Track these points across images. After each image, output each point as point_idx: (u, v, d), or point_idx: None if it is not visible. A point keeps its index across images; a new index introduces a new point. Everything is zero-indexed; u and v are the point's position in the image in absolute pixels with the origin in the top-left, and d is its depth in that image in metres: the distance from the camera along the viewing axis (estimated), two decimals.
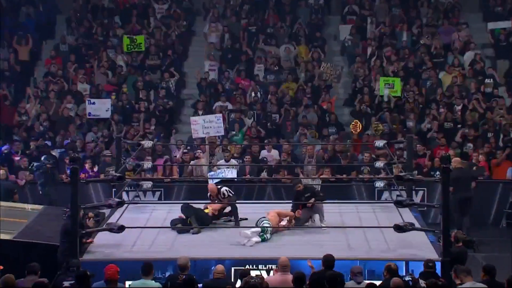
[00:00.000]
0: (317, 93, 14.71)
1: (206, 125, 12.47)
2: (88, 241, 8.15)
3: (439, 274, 7.18)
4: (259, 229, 8.36)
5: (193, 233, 8.71)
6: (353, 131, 13.35)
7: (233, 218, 9.42)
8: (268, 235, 8.53)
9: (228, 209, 9.44)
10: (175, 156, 12.73)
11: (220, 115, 12.93)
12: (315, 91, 14.71)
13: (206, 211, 9.05)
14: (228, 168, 11.42)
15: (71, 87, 14.84)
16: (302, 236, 8.81)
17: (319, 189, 11.55)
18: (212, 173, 11.31)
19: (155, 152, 12.58)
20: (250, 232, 8.36)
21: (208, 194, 9.28)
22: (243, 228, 8.54)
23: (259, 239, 8.37)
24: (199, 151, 12.16)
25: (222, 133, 12.79)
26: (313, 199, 9.02)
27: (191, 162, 12.17)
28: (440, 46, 15.33)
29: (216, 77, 15.41)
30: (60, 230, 8.11)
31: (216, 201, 9.18)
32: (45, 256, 8.07)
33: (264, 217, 8.67)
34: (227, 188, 9.31)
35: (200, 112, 14.24)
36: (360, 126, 13.23)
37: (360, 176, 12.02)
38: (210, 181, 10.04)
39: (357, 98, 14.25)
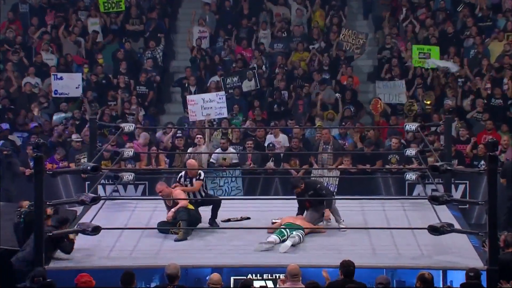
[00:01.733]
0: (336, 65, 14.66)
1: (206, 106, 12.41)
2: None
3: (485, 285, 7.17)
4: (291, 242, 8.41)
5: (176, 240, 8.72)
6: (374, 112, 13.29)
7: (232, 218, 9.45)
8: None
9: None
10: (162, 142, 12.71)
11: (223, 93, 12.87)
12: (333, 63, 14.66)
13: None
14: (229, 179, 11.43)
15: (34, 57, 14.80)
16: (316, 239, 8.82)
17: (336, 182, 11.59)
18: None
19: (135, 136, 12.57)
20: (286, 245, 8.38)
21: (181, 174, 9.22)
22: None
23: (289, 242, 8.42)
24: (199, 136, 12.13)
25: (226, 115, 12.76)
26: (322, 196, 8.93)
27: (189, 149, 12.17)
28: (487, 6, 15.20)
29: (207, 46, 15.34)
30: (21, 233, 8.11)
31: (187, 183, 9.21)
32: (3, 264, 8.09)
33: (297, 229, 8.63)
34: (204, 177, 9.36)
35: (193, 89, 14.20)
36: (382, 105, 13.18)
37: (387, 166, 12.00)
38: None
39: (384, 70, 14.20)
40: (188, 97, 12.76)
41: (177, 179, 9.37)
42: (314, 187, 9.16)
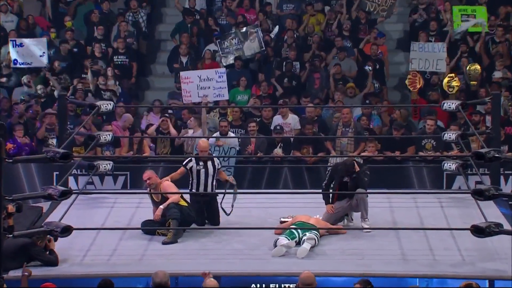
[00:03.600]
0: (358, 30, 14.60)
1: (202, 85, 12.38)
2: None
3: None
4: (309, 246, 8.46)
5: (164, 243, 8.76)
6: (412, 88, 13.25)
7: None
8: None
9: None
10: (151, 124, 12.70)
11: (223, 70, 12.82)
12: (355, 28, 14.61)
13: None
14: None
15: None
16: (334, 242, 8.85)
17: None
18: None
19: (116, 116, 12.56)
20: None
21: (191, 159, 9.33)
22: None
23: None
24: (191, 119, 12.10)
25: (226, 97, 12.73)
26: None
27: (181, 131, 12.14)
28: None
29: (205, 6, 15.28)
30: None
31: (201, 168, 9.31)
32: None
33: (311, 230, 8.66)
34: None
35: (184, 60, 14.16)
36: (421, 80, 13.13)
37: (421, 153, 11.99)
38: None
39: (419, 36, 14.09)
40: (182, 74, 12.72)
41: (184, 164, 9.38)
42: (363, 169, 9.25)
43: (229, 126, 12.09)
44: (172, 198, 8.99)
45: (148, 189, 9.27)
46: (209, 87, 12.36)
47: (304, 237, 8.50)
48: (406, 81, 13.34)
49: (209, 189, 9.36)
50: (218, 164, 9.47)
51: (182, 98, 12.70)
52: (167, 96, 14.01)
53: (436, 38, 13.90)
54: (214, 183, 9.44)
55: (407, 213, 9.75)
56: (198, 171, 9.36)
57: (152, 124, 12.60)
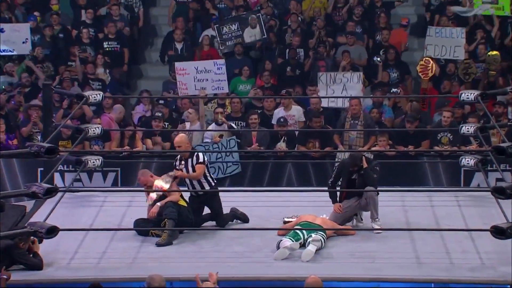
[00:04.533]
0: (369, 14, 14.57)
1: (200, 77, 12.39)
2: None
3: None
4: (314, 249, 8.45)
5: (158, 245, 8.76)
6: (423, 76, 13.23)
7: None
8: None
9: None
10: (144, 116, 12.71)
11: (223, 61, 12.83)
12: (366, 12, 14.58)
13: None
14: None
15: None
16: (343, 243, 8.85)
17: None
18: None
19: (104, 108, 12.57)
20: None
21: (177, 157, 9.26)
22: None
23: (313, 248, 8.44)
24: (189, 111, 12.10)
25: (226, 90, 12.75)
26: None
27: (179, 126, 12.14)
28: None
29: None
30: None
31: (182, 168, 9.20)
32: None
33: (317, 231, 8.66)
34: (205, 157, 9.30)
35: (179, 46, 14.14)
36: (434, 67, 13.11)
37: (437, 148, 11.99)
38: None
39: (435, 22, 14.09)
40: (177, 65, 12.75)
41: (174, 164, 9.36)
42: (372, 165, 9.25)
43: (225, 115, 12.07)
44: (171, 197, 8.96)
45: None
46: (207, 79, 12.39)
47: (310, 239, 8.51)
48: (417, 67, 13.31)
49: (198, 189, 9.25)
50: (195, 161, 9.20)
51: (178, 90, 12.71)
52: (161, 86, 13.99)
53: (453, 23, 13.88)
54: (202, 180, 9.24)
55: (421, 212, 9.74)
56: (181, 170, 9.29)
57: (144, 116, 12.61)
